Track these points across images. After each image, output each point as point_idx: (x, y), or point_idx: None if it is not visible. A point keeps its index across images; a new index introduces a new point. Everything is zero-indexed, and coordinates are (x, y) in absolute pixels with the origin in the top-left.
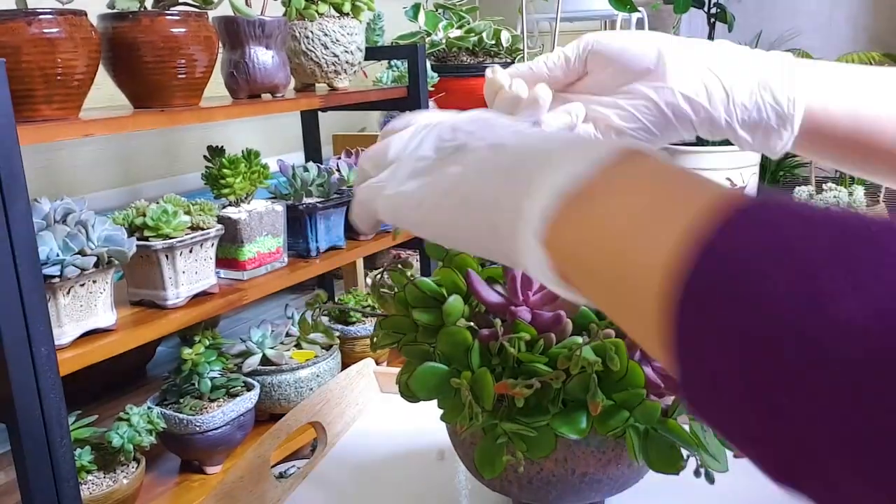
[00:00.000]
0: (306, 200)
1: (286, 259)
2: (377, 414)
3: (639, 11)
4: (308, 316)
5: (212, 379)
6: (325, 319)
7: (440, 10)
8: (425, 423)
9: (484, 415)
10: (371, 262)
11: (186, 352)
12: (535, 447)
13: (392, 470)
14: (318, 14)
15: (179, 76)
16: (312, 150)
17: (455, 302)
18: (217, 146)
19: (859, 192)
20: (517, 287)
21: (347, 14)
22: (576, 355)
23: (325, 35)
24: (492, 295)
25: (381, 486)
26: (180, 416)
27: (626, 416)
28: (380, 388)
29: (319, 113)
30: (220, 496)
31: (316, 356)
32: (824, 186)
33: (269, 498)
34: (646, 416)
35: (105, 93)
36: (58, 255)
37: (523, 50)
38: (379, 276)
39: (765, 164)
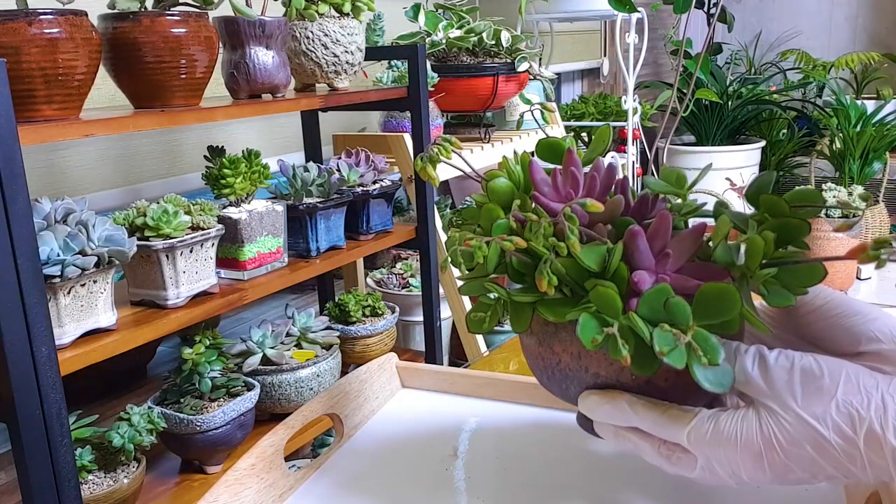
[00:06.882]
0: (306, 200)
1: (286, 259)
2: (397, 409)
3: (639, 12)
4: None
5: (212, 379)
6: (325, 319)
7: (440, 11)
8: (444, 419)
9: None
10: (371, 262)
11: (187, 352)
12: (514, 318)
13: (406, 465)
14: (319, 14)
15: (180, 76)
16: (312, 150)
17: (502, 183)
18: (217, 146)
19: (859, 191)
20: (558, 183)
21: (347, 14)
22: (543, 227)
23: (326, 35)
24: (546, 185)
25: (394, 480)
26: (181, 415)
27: (588, 304)
28: (401, 383)
29: (319, 113)
30: (231, 482)
31: (316, 356)
32: (824, 186)
33: (280, 486)
34: (605, 305)
35: (105, 93)
36: (58, 255)
37: (523, 50)
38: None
39: (765, 164)
